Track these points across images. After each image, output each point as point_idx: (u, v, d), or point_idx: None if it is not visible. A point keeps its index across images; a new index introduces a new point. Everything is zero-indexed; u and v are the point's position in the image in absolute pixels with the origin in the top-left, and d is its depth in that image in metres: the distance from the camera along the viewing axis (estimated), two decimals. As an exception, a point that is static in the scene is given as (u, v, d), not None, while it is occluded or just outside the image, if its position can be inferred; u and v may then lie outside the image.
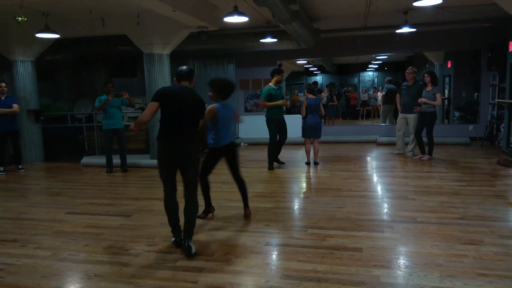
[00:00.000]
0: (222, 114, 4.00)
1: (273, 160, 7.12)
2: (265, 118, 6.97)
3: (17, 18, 6.44)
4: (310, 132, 6.96)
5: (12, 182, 6.65)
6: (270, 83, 6.96)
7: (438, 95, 7.07)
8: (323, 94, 13.10)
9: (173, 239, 3.54)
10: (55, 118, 9.85)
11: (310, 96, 6.94)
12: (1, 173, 7.22)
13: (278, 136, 7.04)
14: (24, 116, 8.17)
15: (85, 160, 8.01)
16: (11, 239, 3.84)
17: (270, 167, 6.96)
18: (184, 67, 3.59)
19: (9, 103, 7.25)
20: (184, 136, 3.35)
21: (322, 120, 7.65)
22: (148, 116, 3.26)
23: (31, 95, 8.33)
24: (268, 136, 6.98)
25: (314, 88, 7.23)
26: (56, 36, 7.33)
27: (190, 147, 3.38)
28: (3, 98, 7.20)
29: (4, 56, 8.25)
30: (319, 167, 7.04)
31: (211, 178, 6.78)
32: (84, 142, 9.43)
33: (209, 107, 3.94)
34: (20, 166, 7.57)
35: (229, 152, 4.18)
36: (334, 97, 13.17)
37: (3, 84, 7.26)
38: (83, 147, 9.41)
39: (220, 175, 6.74)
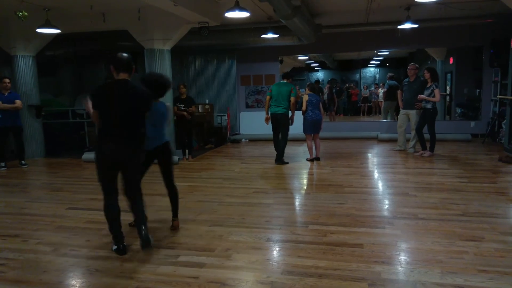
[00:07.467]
0: (152, 113, 3.47)
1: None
2: (285, 115, 7.00)
3: (18, 13, 6.43)
4: (312, 127, 7.09)
5: (14, 178, 6.65)
6: (287, 81, 7.27)
7: (436, 91, 7.04)
8: (324, 90, 13.14)
9: (114, 247, 3.29)
10: (56, 114, 9.85)
11: (311, 93, 7.20)
12: (2, 169, 7.22)
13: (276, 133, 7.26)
14: (25, 111, 8.16)
15: (86, 155, 8.01)
16: (12, 234, 3.84)
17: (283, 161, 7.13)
18: (124, 56, 3.19)
19: (12, 99, 7.27)
20: (121, 138, 3.16)
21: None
22: (98, 124, 3.21)
23: (32, 90, 8.33)
24: (272, 133, 7.28)
25: (316, 87, 7.50)
26: (57, 31, 7.32)
27: (129, 150, 3.19)
28: (6, 94, 7.22)
29: (5, 51, 8.25)
30: (320, 163, 7.04)
31: (212, 174, 6.70)
32: (85, 137, 9.44)
33: None
34: (23, 162, 7.56)
35: (160, 157, 3.70)
36: (334, 95, 13.22)
37: (7, 80, 7.27)
38: (84, 142, 9.42)
39: (221, 171, 6.78)
